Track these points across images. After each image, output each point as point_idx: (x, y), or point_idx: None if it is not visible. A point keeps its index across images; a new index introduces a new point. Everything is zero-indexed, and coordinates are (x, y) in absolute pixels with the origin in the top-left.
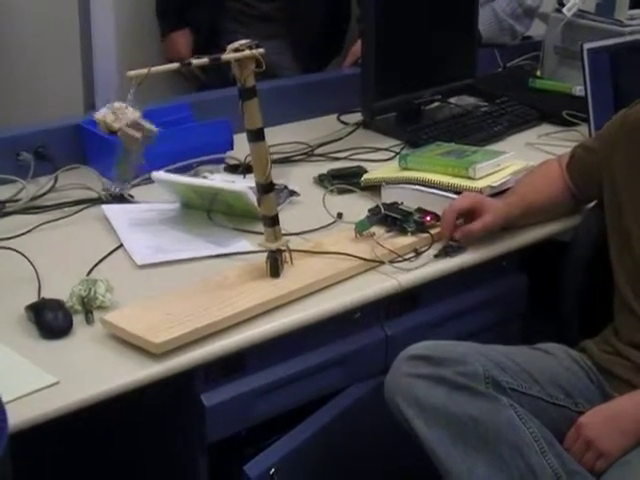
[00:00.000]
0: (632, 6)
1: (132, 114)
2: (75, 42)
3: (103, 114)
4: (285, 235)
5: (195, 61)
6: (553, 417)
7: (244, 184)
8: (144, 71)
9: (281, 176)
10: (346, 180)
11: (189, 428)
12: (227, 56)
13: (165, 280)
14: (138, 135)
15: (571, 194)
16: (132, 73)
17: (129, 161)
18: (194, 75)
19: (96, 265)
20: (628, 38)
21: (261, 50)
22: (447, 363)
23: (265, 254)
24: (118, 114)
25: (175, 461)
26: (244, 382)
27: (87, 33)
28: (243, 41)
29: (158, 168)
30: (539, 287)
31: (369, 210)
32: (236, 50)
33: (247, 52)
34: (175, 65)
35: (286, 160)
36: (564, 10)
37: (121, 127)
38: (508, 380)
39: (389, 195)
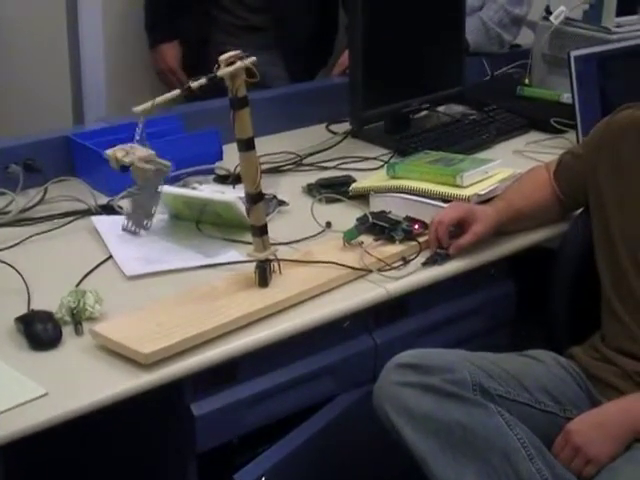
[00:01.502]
0: (619, 13)
1: (143, 152)
2: (63, 54)
3: (113, 150)
4: (274, 245)
5: (194, 84)
6: (541, 423)
7: (233, 194)
8: (148, 105)
9: (270, 186)
10: (335, 189)
11: (179, 438)
12: (223, 72)
13: (154, 291)
14: (150, 167)
15: (559, 200)
16: (138, 109)
17: (145, 197)
18: (183, 86)
19: (85, 276)
20: (615, 45)
21: (253, 58)
22: (435, 371)
23: (254, 264)
24: (129, 151)
25: (165, 470)
26: (233, 391)
27: (75, 45)
28: (234, 52)
29: None
30: (527, 294)
31: (357, 219)
32: (228, 61)
33: (240, 64)
34: (176, 92)
35: (275, 170)
36: (551, 18)
37: (133, 161)
38: (496, 387)
39: (377, 204)
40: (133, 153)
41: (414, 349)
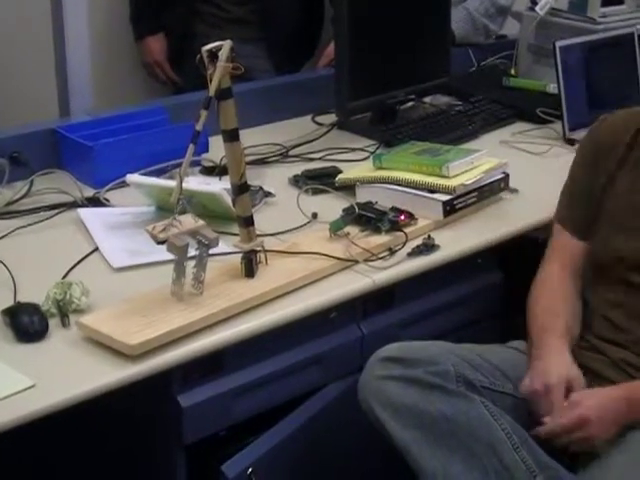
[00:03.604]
0: (604, 3)
1: (190, 223)
2: (49, 46)
3: (154, 225)
4: (260, 236)
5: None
6: (526, 413)
7: (219, 186)
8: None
9: (256, 177)
10: (321, 180)
11: (166, 429)
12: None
13: (140, 282)
14: (182, 244)
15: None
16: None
17: (182, 271)
18: (170, 78)
19: (72, 269)
20: (601, 35)
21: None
22: (418, 363)
23: (240, 255)
24: (172, 224)
25: (153, 461)
26: (221, 383)
27: (61, 38)
28: (217, 43)
29: (133, 171)
30: (515, 284)
31: (343, 210)
32: (210, 52)
33: (227, 64)
34: None
35: (261, 161)
36: (537, 8)
37: (167, 237)
38: (480, 378)
39: (363, 195)
40: (175, 226)
41: (397, 342)
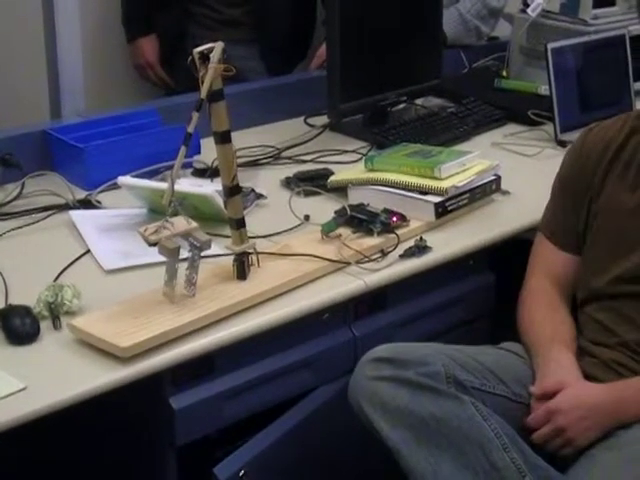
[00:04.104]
0: (596, 5)
1: (183, 225)
2: (41, 48)
3: (145, 227)
4: (252, 238)
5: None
6: (517, 415)
7: (211, 188)
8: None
9: (248, 179)
10: (313, 182)
11: (158, 431)
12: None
13: (132, 285)
14: (174, 246)
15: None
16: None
17: (174, 273)
18: (162, 80)
19: (63, 271)
20: (592, 37)
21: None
22: (409, 364)
23: (232, 257)
24: (164, 226)
25: (144, 464)
26: (213, 385)
27: (52, 39)
28: (209, 45)
29: (125, 173)
30: (506, 285)
31: (335, 212)
32: (201, 53)
33: (218, 66)
34: None
35: (253, 163)
36: (529, 10)
37: (159, 239)
38: (471, 379)
39: (355, 196)
40: (167, 228)
41: (388, 343)
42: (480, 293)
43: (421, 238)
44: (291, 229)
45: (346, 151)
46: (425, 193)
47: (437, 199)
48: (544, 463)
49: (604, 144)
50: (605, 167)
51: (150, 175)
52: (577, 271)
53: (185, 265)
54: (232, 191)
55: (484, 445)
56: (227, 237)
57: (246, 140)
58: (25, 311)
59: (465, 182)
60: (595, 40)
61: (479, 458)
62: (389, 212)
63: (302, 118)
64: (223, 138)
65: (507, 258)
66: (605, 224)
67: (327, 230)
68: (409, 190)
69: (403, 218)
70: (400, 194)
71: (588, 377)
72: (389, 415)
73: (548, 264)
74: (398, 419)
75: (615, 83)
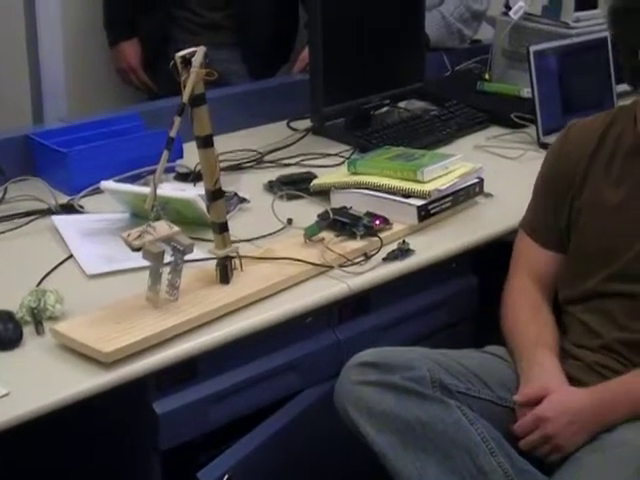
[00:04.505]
0: (578, 8)
1: (165, 230)
2: (22, 53)
3: (128, 232)
4: (235, 242)
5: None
6: (502, 419)
7: (194, 192)
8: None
9: (231, 183)
10: (296, 186)
11: (142, 436)
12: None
13: (115, 289)
14: (157, 250)
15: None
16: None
17: (155, 275)
18: (144, 84)
19: (46, 276)
20: (575, 40)
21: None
22: (395, 369)
23: (215, 261)
24: (146, 230)
25: (128, 469)
26: (196, 389)
27: (34, 43)
28: (190, 49)
29: (107, 178)
30: (489, 287)
31: (318, 215)
32: (183, 58)
33: (200, 70)
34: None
35: (236, 167)
36: (511, 13)
37: (142, 244)
38: (456, 383)
39: (338, 200)
40: (150, 233)
41: (373, 348)
42: (463, 296)
43: (404, 241)
44: (274, 233)
45: (329, 154)
46: (408, 196)
47: (420, 202)
48: (531, 467)
49: (585, 140)
50: (587, 163)
51: (133, 180)
52: (559, 269)
53: (168, 270)
54: (215, 195)
55: (471, 449)
56: (210, 241)
57: (229, 144)
58: (8, 316)
59: (448, 185)
60: (577, 43)
61: (466, 462)
62: (372, 215)
63: (285, 122)
64: (205, 142)
65: (490, 261)
66: (590, 220)
67: (310, 234)
68: (392, 193)
69: (386, 221)
70: (383, 197)
71: (572, 380)
72: (375, 420)
73: (530, 262)
74: (384, 423)
75: (597, 85)
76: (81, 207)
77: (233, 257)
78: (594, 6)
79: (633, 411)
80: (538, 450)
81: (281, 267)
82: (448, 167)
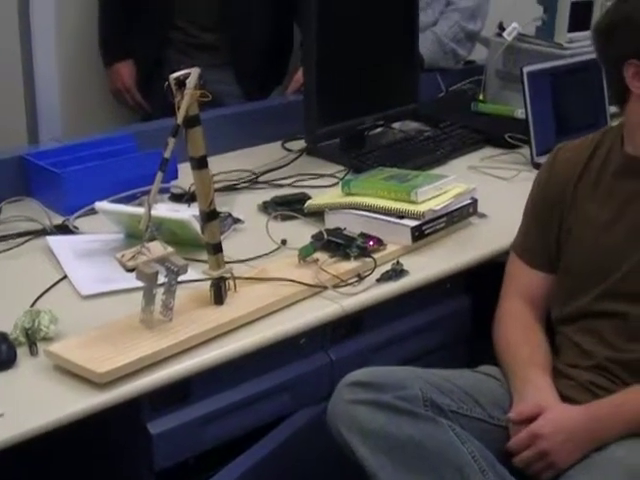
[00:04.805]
0: (571, 29)
1: (159, 250)
2: (17, 73)
3: (123, 253)
4: (229, 262)
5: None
6: (495, 438)
7: (188, 213)
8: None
9: (225, 204)
10: (290, 207)
11: (136, 456)
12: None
13: (109, 310)
14: (152, 271)
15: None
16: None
17: (151, 298)
18: (139, 104)
19: (40, 296)
20: (568, 60)
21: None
22: (387, 388)
23: (209, 282)
24: (140, 251)
25: None
26: (190, 410)
27: (29, 64)
28: (185, 70)
29: (102, 198)
30: (484, 309)
31: (312, 236)
32: (178, 79)
33: (194, 92)
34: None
35: (230, 188)
36: (504, 34)
37: (136, 265)
38: (448, 403)
39: (332, 221)
40: (144, 254)
41: (366, 367)
42: (457, 316)
43: (398, 262)
44: (268, 254)
45: (323, 175)
46: (402, 217)
47: (414, 223)
48: None
49: (573, 162)
50: (575, 184)
51: (127, 200)
52: (551, 290)
53: (162, 290)
54: (209, 216)
55: (462, 468)
56: (204, 262)
57: (224, 165)
58: (2, 337)
59: (442, 206)
60: (571, 63)
61: None
62: (366, 236)
63: (279, 142)
64: (200, 163)
65: (484, 281)
66: (579, 241)
67: (304, 254)
68: (386, 214)
69: (380, 242)
70: (377, 218)
71: (564, 398)
72: (367, 439)
73: (521, 284)
74: (376, 443)
75: (591, 106)
76: (76, 227)
77: (227, 278)
78: (587, 27)
79: (626, 428)
80: (532, 467)
81: (275, 288)
82: (442, 188)
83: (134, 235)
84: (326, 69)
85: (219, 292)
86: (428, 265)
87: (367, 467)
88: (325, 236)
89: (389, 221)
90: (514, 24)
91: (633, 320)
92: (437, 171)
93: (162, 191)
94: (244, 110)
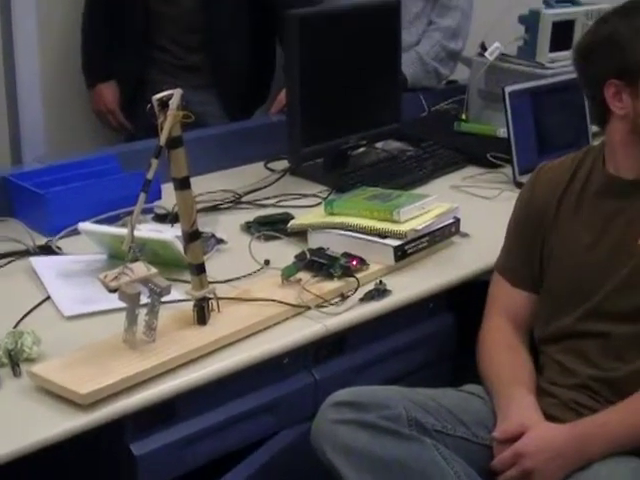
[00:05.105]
0: (553, 49)
1: (143, 271)
2: (1, 95)
3: (105, 274)
4: (212, 283)
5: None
6: (479, 457)
7: (171, 233)
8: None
9: (209, 224)
10: (273, 227)
11: (120, 478)
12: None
13: (93, 331)
14: (134, 292)
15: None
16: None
17: (134, 319)
18: (122, 125)
19: (23, 317)
20: (549, 80)
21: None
22: (371, 408)
23: (192, 302)
24: (123, 272)
25: None
26: (174, 430)
27: (12, 85)
28: (168, 92)
29: (85, 219)
30: (467, 327)
31: (295, 256)
32: (160, 100)
33: (177, 113)
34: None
35: (214, 208)
36: (486, 54)
37: (119, 285)
38: (432, 422)
39: (315, 240)
40: (127, 274)
41: (350, 387)
42: (440, 336)
43: (381, 281)
44: (251, 274)
45: (306, 195)
46: (384, 237)
47: (396, 242)
48: None
49: (555, 182)
50: (557, 204)
51: (111, 221)
52: (534, 309)
53: (145, 311)
54: (192, 237)
55: None
56: (187, 282)
57: (207, 185)
58: None
59: (424, 225)
60: (552, 83)
61: None
62: (349, 256)
63: (262, 163)
64: (182, 184)
65: (467, 300)
66: (562, 261)
67: (287, 274)
68: (369, 234)
69: (363, 262)
70: (360, 238)
71: (548, 417)
72: (352, 459)
73: (505, 303)
74: (360, 463)
75: (572, 125)
76: (59, 248)
77: (210, 298)
78: (568, 47)
79: (609, 448)
80: None
81: (258, 308)
82: (424, 207)
83: (117, 256)
84: (309, 89)
85: (202, 312)
86: (411, 284)
87: None
88: (308, 256)
89: (372, 241)
90: (496, 44)
91: (616, 339)
92: (420, 190)
93: (145, 211)
94: (227, 131)
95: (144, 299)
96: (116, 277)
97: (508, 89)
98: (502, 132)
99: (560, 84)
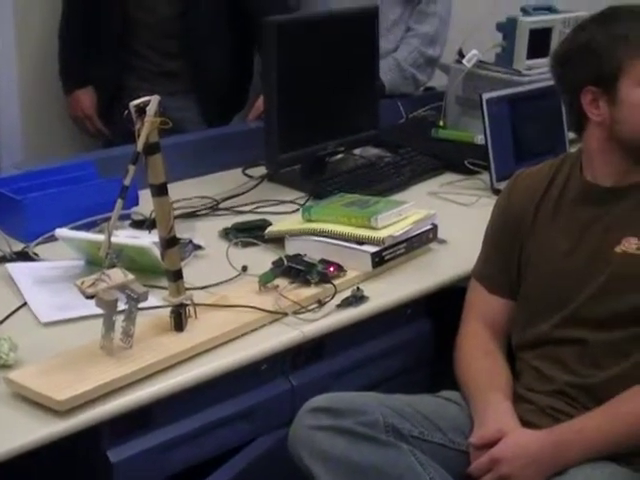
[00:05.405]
0: (530, 56)
1: (120, 278)
2: None
3: (82, 280)
4: (190, 289)
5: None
6: (456, 463)
7: (148, 239)
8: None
9: (186, 230)
10: (250, 233)
11: None
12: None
13: (69, 337)
14: (111, 298)
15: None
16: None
17: (111, 325)
18: (99, 131)
19: (0, 324)
20: (527, 87)
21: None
22: (348, 414)
23: (170, 309)
24: (101, 278)
25: None
26: (151, 437)
27: None
28: (145, 98)
29: (62, 225)
30: (444, 333)
31: (273, 262)
32: (138, 107)
33: (154, 119)
34: None
35: (191, 214)
36: (464, 61)
37: (96, 292)
38: (409, 428)
39: (293, 247)
40: (104, 280)
41: (327, 393)
42: (418, 342)
43: (358, 288)
44: (229, 280)
45: (284, 202)
46: (362, 243)
47: (374, 249)
48: None
49: (532, 189)
50: (534, 210)
51: (88, 227)
52: (511, 315)
53: (122, 317)
54: (169, 243)
55: None
56: (165, 289)
57: (184, 191)
58: None
59: (402, 232)
60: (529, 90)
61: None
62: (326, 262)
63: (240, 169)
64: (159, 190)
65: (445, 306)
66: (539, 267)
67: (264, 281)
68: (346, 240)
69: (340, 268)
70: (337, 244)
71: (524, 423)
72: (329, 465)
73: (482, 309)
74: (337, 469)
75: (550, 132)
76: (36, 254)
77: (187, 305)
78: (546, 54)
79: (586, 454)
80: None
81: (235, 314)
82: (402, 214)
83: (94, 262)
84: (286, 96)
85: (179, 319)
86: (388, 291)
87: None
88: (285, 262)
89: (349, 247)
90: (474, 51)
91: (593, 346)
92: (397, 197)
93: (123, 218)
94: (205, 137)
95: (121, 305)
96: (93, 283)
97: (486, 96)
98: (479, 139)
99: (537, 91)
